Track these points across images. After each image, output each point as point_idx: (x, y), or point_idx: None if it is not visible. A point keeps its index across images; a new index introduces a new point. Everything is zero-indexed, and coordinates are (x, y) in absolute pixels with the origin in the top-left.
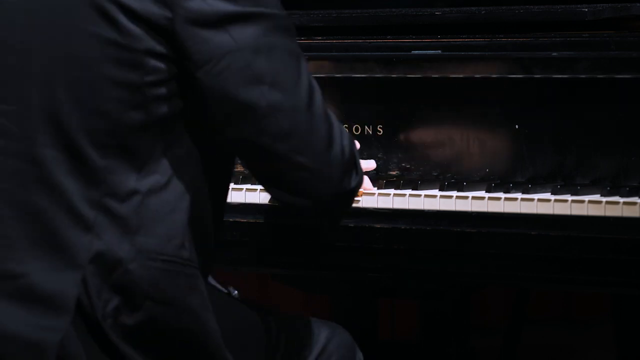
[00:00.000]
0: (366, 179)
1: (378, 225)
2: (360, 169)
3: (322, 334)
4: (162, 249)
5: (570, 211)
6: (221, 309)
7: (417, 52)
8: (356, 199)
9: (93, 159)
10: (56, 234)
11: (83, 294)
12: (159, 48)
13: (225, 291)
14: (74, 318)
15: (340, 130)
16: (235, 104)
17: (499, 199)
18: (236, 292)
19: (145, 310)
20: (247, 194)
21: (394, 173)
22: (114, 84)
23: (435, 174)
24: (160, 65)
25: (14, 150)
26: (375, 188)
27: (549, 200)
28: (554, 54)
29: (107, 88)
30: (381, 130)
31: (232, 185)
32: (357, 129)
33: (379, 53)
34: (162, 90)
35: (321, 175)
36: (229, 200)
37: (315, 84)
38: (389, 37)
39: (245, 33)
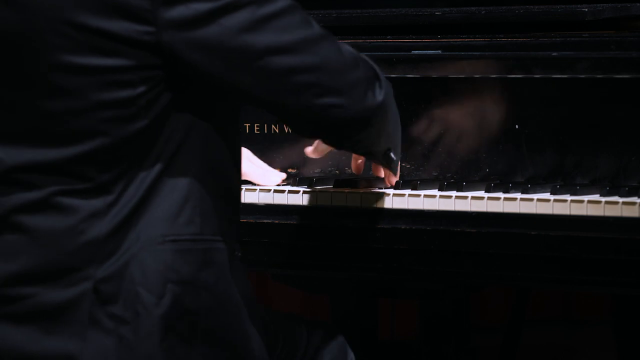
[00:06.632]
0: (269, 172)
1: (378, 225)
2: (384, 80)
3: (317, 333)
4: (168, 230)
5: (570, 211)
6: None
7: (417, 52)
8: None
9: (94, 177)
10: (62, 251)
11: (97, 303)
12: (146, 61)
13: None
14: (96, 328)
15: (358, 57)
16: (252, 91)
17: (498, 199)
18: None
19: (169, 294)
20: (246, 193)
21: None
22: (107, 105)
23: (434, 174)
24: (149, 74)
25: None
26: (376, 188)
27: (548, 200)
28: (554, 54)
29: (100, 110)
30: None
31: None
32: None
33: (379, 53)
34: (152, 94)
35: (351, 110)
36: None
37: (318, 28)
38: (389, 37)
39: (236, 20)
